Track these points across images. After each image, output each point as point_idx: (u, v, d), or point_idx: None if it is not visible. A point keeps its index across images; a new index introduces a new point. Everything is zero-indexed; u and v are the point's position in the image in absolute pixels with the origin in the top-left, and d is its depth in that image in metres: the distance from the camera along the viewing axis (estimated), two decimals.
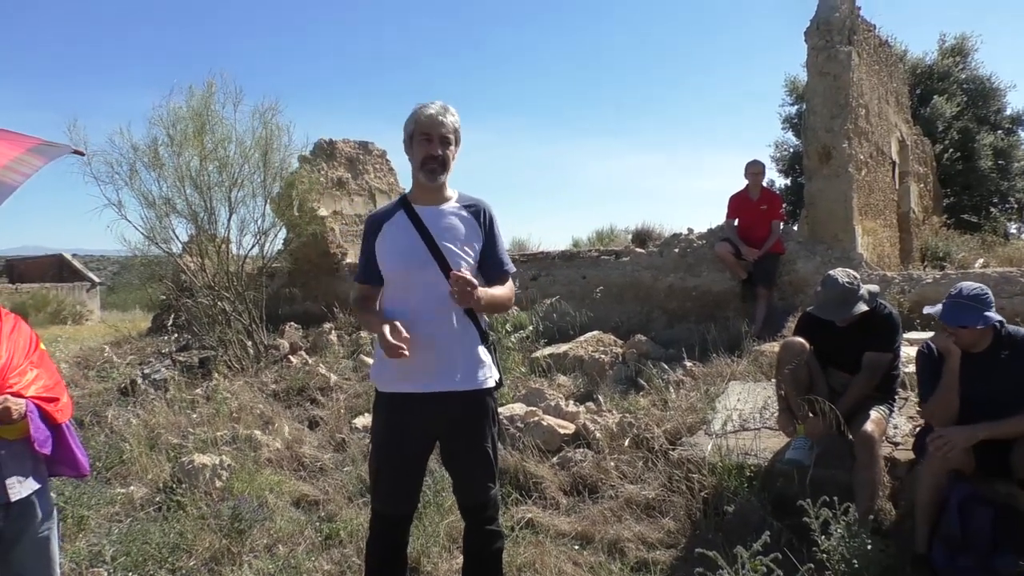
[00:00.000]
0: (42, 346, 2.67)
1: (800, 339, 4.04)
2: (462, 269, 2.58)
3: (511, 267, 2.87)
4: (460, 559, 3.62)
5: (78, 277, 28.26)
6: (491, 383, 2.77)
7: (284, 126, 8.87)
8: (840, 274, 3.93)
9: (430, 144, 2.66)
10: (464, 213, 2.76)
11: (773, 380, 4.56)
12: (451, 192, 2.80)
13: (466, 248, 2.71)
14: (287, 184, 9.29)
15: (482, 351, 2.77)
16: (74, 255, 32.13)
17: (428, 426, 2.73)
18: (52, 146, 2.68)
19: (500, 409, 5.07)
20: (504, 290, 2.79)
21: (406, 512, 2.83)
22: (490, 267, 2.79)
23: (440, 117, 2.65)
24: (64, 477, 3.16)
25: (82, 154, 3.04)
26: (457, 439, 2.75)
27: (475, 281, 2.55)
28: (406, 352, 2.50)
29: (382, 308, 2.77)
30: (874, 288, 4.02)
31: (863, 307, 3.82)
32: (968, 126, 17.56)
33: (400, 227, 2.73)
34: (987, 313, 3.32)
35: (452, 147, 2.70)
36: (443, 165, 2.67)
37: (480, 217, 2.77)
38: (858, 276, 3.97)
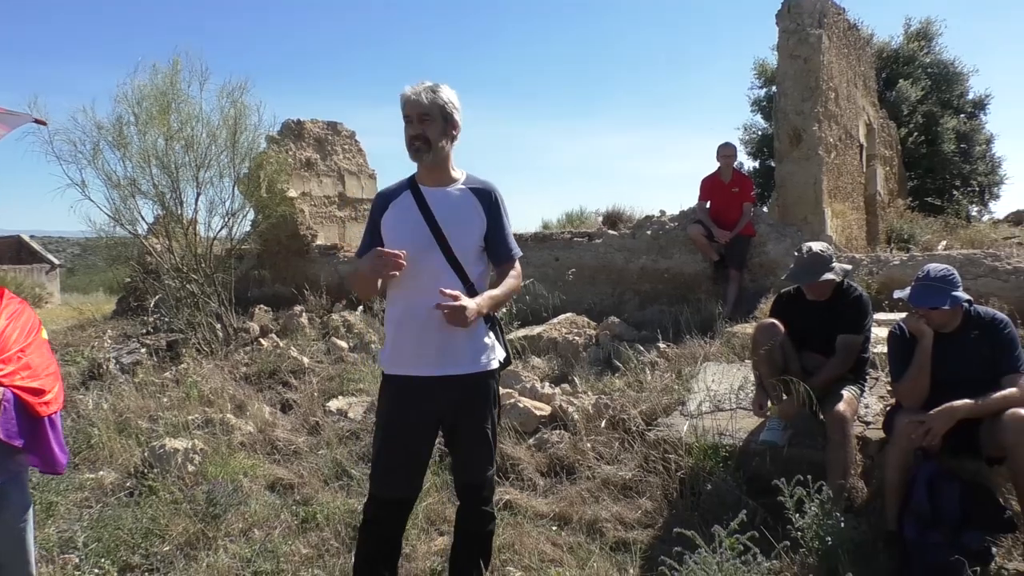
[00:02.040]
0: (44, 334, 2.58)
1: (773, 320, 4.09)
2: (454, 292, 2.54)
3: (518, 251, 2.84)
4: (439, 540, 3.64)
5: (36, 259, 27.57)
6: (495, 364, 2.79)
7: (253, 106, 8.72)
8: (815, 244, 4.05)
9: (410, 124, 2.63)
10: (470, 195, 2.73)
11: (748, 361, 4.62)
12: (458, 173, 2.77)
13: (470, 230, 2.70)
14: (255, 165, 9.13)
15: (487, 333, 2.77)
16: (32, 236, 31.33)
17: (434, 409, 2.72)
18: (13, 115, 2.60)
19: None
20: (506, 287, 2.76)
21: (406, 497, 2.81)
22: (496, 251, 2.77)
23: (415, 96, 2.60)
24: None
25: (43, 124, 2.97)
26: (460, 420, 2.76)
27: (464, 300, 2.53)
28: (403, 260, 2.49)
29: (385, 287, 2.75)
30: (847, 267, 4.10)
31: (832, 276, 3.88)
32: (932, 110, 17.84)
33: (405, 208, 2.70)
34: (955, 293, 3.39)
35: (436, 124, 2.63)
36: (427, 143, 2.62)
37: (486, 200, 2.74)
38: (832, 249, 4.05)
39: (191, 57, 8.27)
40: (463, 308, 2.49)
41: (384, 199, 2.78)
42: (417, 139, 2.62)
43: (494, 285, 2.78)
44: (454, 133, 2.69)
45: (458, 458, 2.86)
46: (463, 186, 2.75)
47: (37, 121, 2.86)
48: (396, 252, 2.49)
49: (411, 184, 2.76)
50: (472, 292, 2.68)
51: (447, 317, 2.49)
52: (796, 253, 4.07)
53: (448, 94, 2.65)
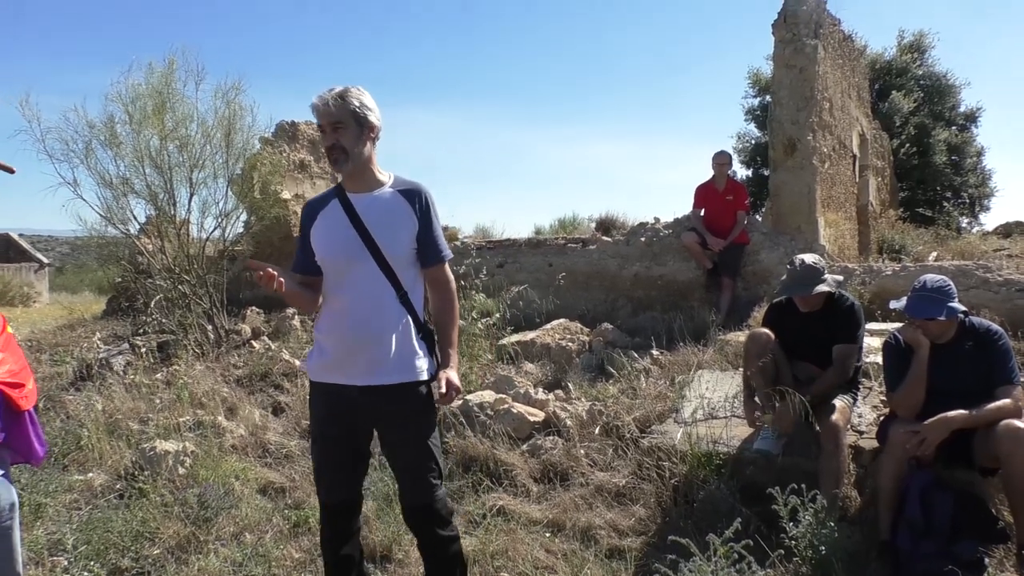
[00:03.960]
0: (9, 329, 2.57)
1: (766, 330, 4.10)
2: (442, 381, 2.65)
3: (447, 252, 2.77)
4: None
5: (25, 258, 27.35)
6: (426, 375, 2.68)
7: (248, 106, 8.67)
8: (807, 256, 4.06)
9: (324, 135, 2.58)
10: (399, 198, 2.66)
11: (740, 370, 4.62)
12: (385, 176, 2.71)
13: (401, 235, 2.63)
14: (249, 166, 9.08)
15: (418, 341, 2.68)
16: (21, 235, 31.09)
17: (363, 418, 2.66)
18: None
19: (470, 397, 5.07)
20: (449, 319, 2.77)
21: (348, 499, 2.77)
22: (425, 253, 2.70)
23: (324, 106, 2.54)
24: (17, 464, 3.06)
25: (12, 171, 2.76)
26: (395, 434, 2.68)
27: (445, 380, 2.62)
28: (273, 273, 2.47)
29: (324, 292, 2.73)
30: (839, 278, 4.12)
31: (825, 288, 3.89)
32: (924, 122, 17.97)
33: (334, 217, 2.64)
34: (951, 304, 3.41)
35: (350, 130, 2.56)
36: (344, 153, 2.56)
37: (415, 202, 2.67)
38: (824, 261, 4.07)
39: (187, 56, 8.23)
40: (452, 389, 2.63)
41: (312, 209, 2.72)
42: (334, 149, 2.56)
43: (427, 299, 2.77)
44: (372, 135, 2.62)
45: (401, 477, 2.73)
46: (390, 188, 2.68)
47: (2, 167, 2.72)
48: (261, 266, 2.47)
49: (338, 192, 2.69)
50: (406, 300, 2.64)
51: (441, 401, 2.64)
52: (788, 266, 4.07)
53: (358, 96, 2.57)
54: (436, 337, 2.76)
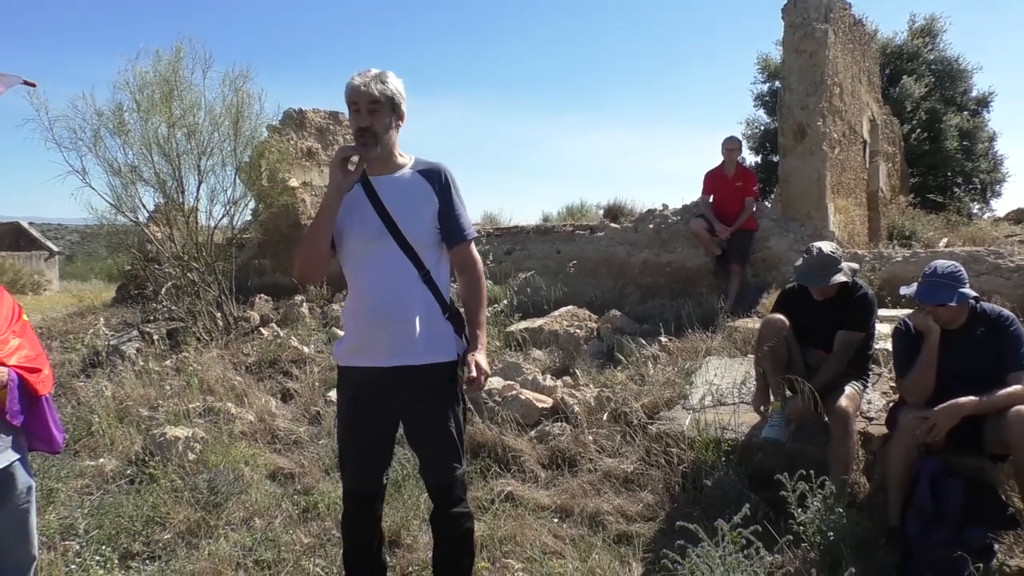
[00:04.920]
0: (25, 316, 2.59)
1: (780, 316, 4.07)
2: (471, 364, 2.58)
3: (471, 232, 2.73)
4: None
5: (35, 246, 27.49)
6: (454, 355, 2.68)
7: (255, 94, 8.67)
8: (824, 244, 4.01)
9: (358, 114, 2.55)
10: (420, 178, 2.65)
11: (750, 356, 4.61)
12: (406, 158, 2.69)
13: (422, 215, 2.62)
14: (257, 154, 9.09)
15: (444, 322, 2.67)
16: (31, 223, 31.24)
17: (390, 402, 2.65)
18: (3, 76, 2.61)
19: None
20: (477, 301, 2.72)
21: (371, 489, 2.77)
22: (449, 232, 2.67)
23: (364, 87, 2.51)
24: (36, 452, 3.09)
25: (33, 85, 2.97)
26: (420, 416, 2.67)
27: (475, 363, 2.56)
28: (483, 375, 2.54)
29: (347, 276, 2.71)
30: (855, 265, 4.08)
31: (842, 277, 3.87)
32: (935, 107, 17.78)
33: (354, 199, 2.61)
34: (962, 290, 3.38)
35: (385, 115, 2.55)
36: (374, 137, 2.55)
37: (437, 180, 2.65)
38: (840, 249, 4.03)
39: (194, 44, 8.22)
40: (482, 373, 2.56)
41: None
42: (365, 132, 2.54)
43: (454, 281, 2.74)
44: (400, 123, 2.63)
45: (423, 458, 2.75)
46: (411, 170, 2.67)
47: (26, 83, 2.83)
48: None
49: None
50: (429, 279, 2.62)
51: (474, 387, 2.58)
52: (805, 254, 4.02)
53: (396, 83, 2.55)
54: (464, 318, 2.74)
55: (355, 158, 2.52)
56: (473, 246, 2.75)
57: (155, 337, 7.58)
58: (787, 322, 4.00)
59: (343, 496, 2.81)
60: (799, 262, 4.08)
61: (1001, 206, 19.95)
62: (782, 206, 8.43)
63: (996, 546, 3.23)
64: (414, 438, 2.74)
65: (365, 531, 2.79)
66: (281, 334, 7.57)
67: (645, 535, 3.57)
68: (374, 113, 2.54)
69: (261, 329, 7.92)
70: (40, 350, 2.59)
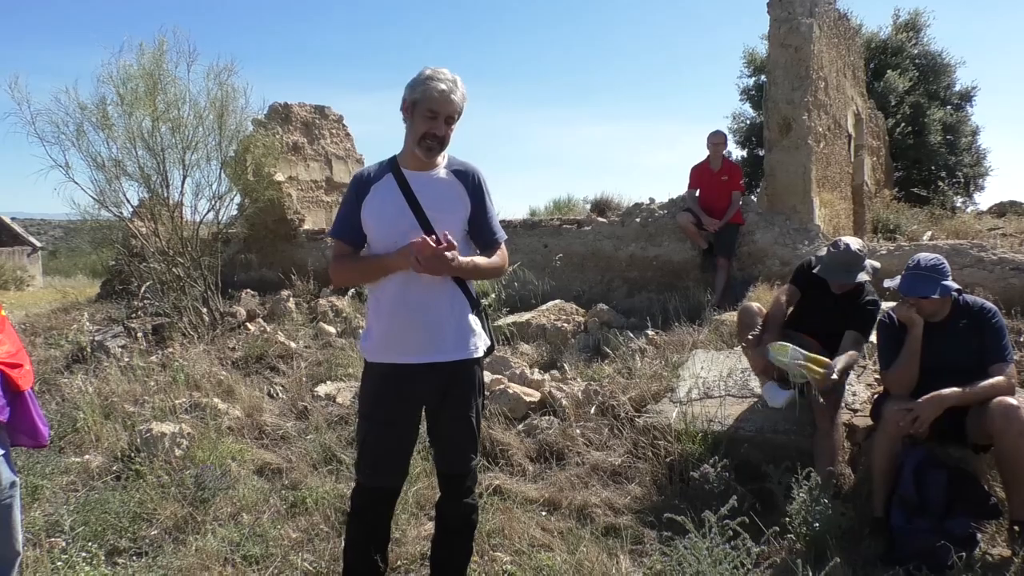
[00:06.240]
0: (3, 312, 2.57)
1: (756, 304, 4.14)
2: (448, 235, 2.49)
3: (502, 234, 2.78)
4: (429, 525, 3.63)
5: (18, 241, 27.23)
6: (481, 351, 2.73)
7: (240, 88, 8.61)
8: (851, 240, 4.02)
9: (434, 121, 2.53)
10: (454, 179, 2.66)
11: (737, 349, 4.64)
12: (440, 157, 2.69)
13: (455, 216, 2.64)
14: (242, 148, 9.03)
15: (472, 319, 2.71)
16: (13, 218, 30.93)
17: (417, 396, 2.68)
18: None
19: None
20: (490, 260, 2.72)
21: (394, 486, 2.78)
22: (481, 235, 2.72)
23: (451, 95, 2.52)
24: (21, 447, 3.07)
25: None
26: (444, 408, 2.71)
27: (453, 243, 2.48)
28: (454, 249, 2.46)
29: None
30: (876, 264, 4.10)
31: (865, 277, 3.91)
32: (919, 101, 17.92)
33: (388, 192, 2.62)
34: (945, 282, 3.42)
35: (454, 125, 2.59)
36: (441, 144, 2.57)
37: (470, 183, 2.68)
38: (865, 247, 4.06)
39: (178, 37, 8.15)
40: (444, 256, 2.45)
41: (365, 183, 2.68)
42: (434, 138, 2.55)
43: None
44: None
45: (441, 448, 2.78)
46: (445, 169, 2.68)
47: None
48: (434, 240, 2.44)
49: (393, 167, 2.67)
50: (459, 280, 2.66)
51: (425, 264, 2.43)
52: (832, 248, 4.02)
53: (464, 89, 2.59)
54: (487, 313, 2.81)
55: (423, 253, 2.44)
56: (504, 247, 2.80)
57: (140, 333, 7.53)
58: (763, 309, 4.08)
59: (356, 492, 2.78)
60: (823, 253, 4.09)
61: (984, 200, 20.11)
62: (768, 200, 8.48)
63: (979, 535, 3.28)
64: (435, 430, 2.77)
65: (377, 530, 2.79)
66: (268, 329, 7.54)
67: (633, 527, 3.58)
68: (450, 124, 2.56)
69: (247, 324, 7.88)
70: (20, 346, 2.58)
